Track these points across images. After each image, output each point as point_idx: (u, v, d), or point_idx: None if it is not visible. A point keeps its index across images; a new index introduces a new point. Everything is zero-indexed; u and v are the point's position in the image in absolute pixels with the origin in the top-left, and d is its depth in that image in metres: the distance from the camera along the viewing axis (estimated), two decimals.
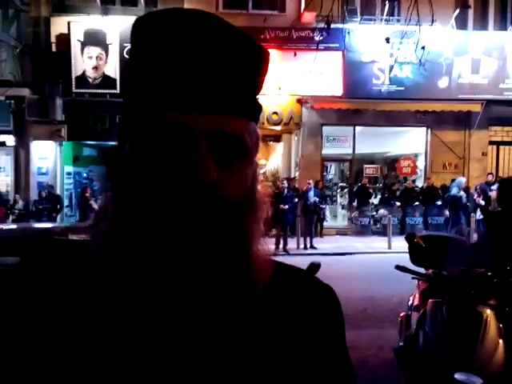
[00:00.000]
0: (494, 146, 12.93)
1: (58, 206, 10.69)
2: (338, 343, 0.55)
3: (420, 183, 12.76)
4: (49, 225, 7.17)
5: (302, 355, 0.50)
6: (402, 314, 3.30)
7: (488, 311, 2.37)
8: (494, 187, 10.60)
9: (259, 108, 0.52)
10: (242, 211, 0.48)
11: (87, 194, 10.04)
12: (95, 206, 9.34)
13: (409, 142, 13.40)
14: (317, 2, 6.34)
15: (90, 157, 13.57)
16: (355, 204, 11.95)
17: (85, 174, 13.09)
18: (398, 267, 2.67)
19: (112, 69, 11.58)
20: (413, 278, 2.85)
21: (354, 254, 9.36)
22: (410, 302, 3.26)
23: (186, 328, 0.46)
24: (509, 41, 12.09)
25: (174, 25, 0.45)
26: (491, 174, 12.01)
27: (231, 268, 0.47)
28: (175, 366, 0.45)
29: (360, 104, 11.72)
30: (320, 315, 0.53)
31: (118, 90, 11.62)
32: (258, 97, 0.53)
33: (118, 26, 11.47)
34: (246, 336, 0.48)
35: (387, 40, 7.57)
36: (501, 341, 2.30)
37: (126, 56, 11.55)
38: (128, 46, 11.54)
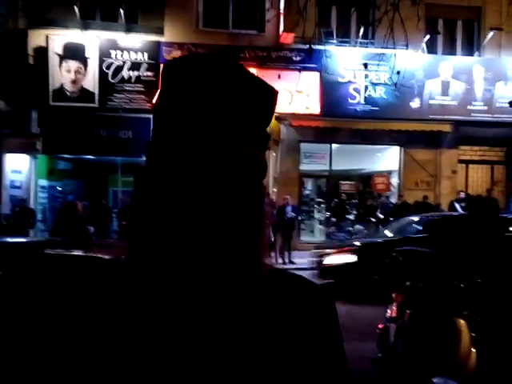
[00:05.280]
0: (464, 165, 13.51)
1: (31, 221, 10.43)
2: (333, 345, 0.58)
3: (393, 200, 13.12)
4: (23, 239, 6.99)
5: (299, 356, 0.54)
6: (380, 326, 3.43)
7: (461, 321, 2.54)
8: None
9: (268, 138, 0.61)
10: (251, 231, 0.54)
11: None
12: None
13: (383, 160, 13.79)
14: (295, 23, 6.59)
15: (65, 170, 13.33)
16: (334, 219, 12.17)
17: (59, 188, 12.85)
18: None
19: (90, 82, 11.53)
20: (392, 291, 2.98)
21: None
22: (388, 314, 3.39)
23: (194, 327, 0.50)
24: (475, 65, 12.79)
25: (201, 71, 0.53)
26: (462, 191, 12.51)
27: (243, 277, 0.53)
28: (181, 363, 0.50)
29: (336, 122, 12.05)
30: (315, 318, 0.57)
31: (96, 104, 11.57)
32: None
33: (97, 40, 11.48)
34: (248, 335, 0.52)
35: (365, 66, 7.90)
36: (473, 349, 2.47)
37: (105, 70, 11.55)
38: (107, 60, 11.55)
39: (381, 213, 11.85)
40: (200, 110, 0.52)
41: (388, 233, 8.22)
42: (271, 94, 0.58)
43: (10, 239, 6.35)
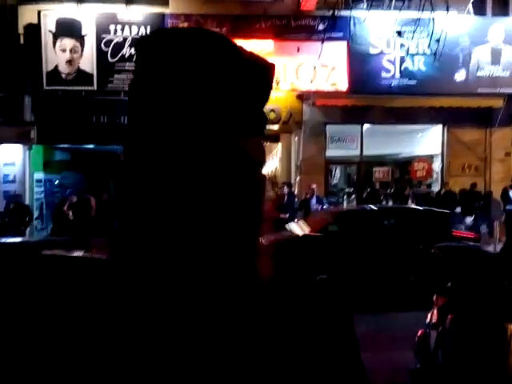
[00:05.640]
0: None
1: (27, 219, 10.70)
2: (347, 358, 0.58)
3: (436, 188, 12.91)
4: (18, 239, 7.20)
5: (307, 371, 0.55)
6: (419, 333, 3.44)
7: None
8: None
9: (265, 120, 0.58)
10: (244, 231, 0.54)
11: (65, 208, 10.01)
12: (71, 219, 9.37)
13: (423, 142, 13.58)
14: None
15: (62, 162, 13.57)
16: None
17: (57, 182, 13.11)
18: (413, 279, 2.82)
19: (88, 63, 11.67)
20: (433, 293, 2.97)
21: None
22: (428, 320, 3.39)
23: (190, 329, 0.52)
24: None
25: (180, 46, 0.53)
26: None
27: (236, 283, 0.54)
28: (177, 367, 0.52)
29: (368, 100, 11.88)
30: (325, 331, 0.57)
31: (94, 87, 11.71)
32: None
33: (94, 15, 11.59)
34: (244, 351, 0.53)
35: (399, 33, 7.76)
36: None
37: (104, 48, 11.65)
38: (106, 36, 11.64)
39: (415, 204, 11.65)
40: (179, 92, 0.51)
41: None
42: (265, 69, 0.57)
43: (4, 239, 6.55)
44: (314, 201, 10.67)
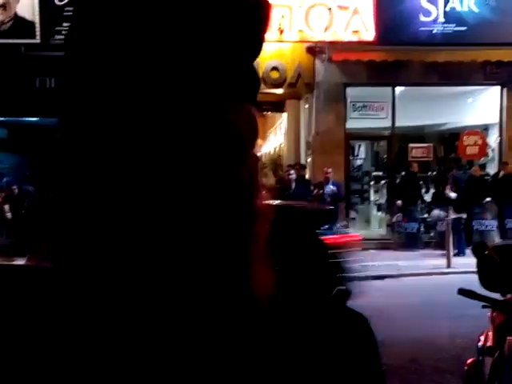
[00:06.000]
0: None
1: None
2: None
3: (492, 170, 12.94)
4: None
5: None
6: (469, 361, 3.45)
7: None
8: None
9: (257, 80, 0.58)
10: (231, 231, 0.54)
11: None
12: (8, 216, 9.45)
13: (475, 109, 13.61)
14: None
15: None
16: (399, 203, 12.12)
17: None
18: (462, 292, 2.81)
19: (28, 7, 11.63)
20: (484, 306, 2.98)
21: (397, 276, 9.56)
22: (481, 343, 3.40)
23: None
24: None
25: None
26: None
27: (220, 304, 0.54)
28: None
29: (402, 53, 11.87)
30: (345, 354, 0.59)
31: (37, 39, 11.68)
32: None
33: None
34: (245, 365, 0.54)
35: None
36: None
37: None
38: None
39: (455, 190, 11.62)
40: (136, 38, 0.50)
41: None
42: (255, 7, 0.56)
43: None
44: (329, 188, 10.66)
